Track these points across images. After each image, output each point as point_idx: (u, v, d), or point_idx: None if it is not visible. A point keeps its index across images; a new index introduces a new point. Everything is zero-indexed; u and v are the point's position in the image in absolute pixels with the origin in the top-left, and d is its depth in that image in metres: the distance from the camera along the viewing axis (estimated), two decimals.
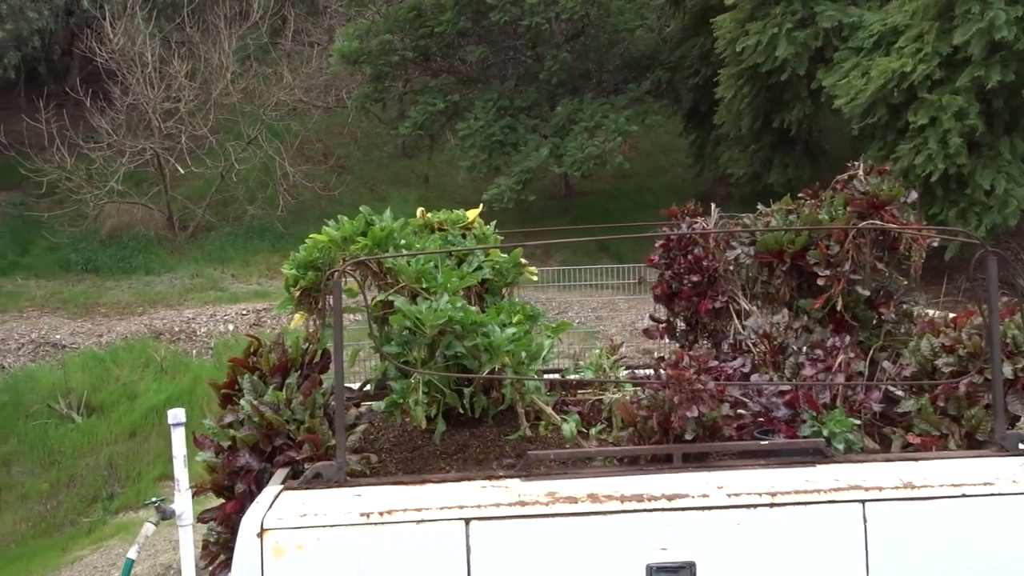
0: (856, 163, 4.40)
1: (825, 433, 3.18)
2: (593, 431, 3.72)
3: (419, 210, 4.47)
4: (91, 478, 11.59)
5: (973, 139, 10.92)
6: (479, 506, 2.70)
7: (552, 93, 16.13)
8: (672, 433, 3.10)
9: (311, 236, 3.65)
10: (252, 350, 3.82)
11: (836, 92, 11.34)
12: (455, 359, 3.64)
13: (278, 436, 3.44)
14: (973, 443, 3.27)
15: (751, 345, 4.10)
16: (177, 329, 14.22)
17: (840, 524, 2.75)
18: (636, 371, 4.43)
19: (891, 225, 3.92)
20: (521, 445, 3.95)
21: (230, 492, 3.62)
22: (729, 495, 2.77)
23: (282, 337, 3.87)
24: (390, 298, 3.41)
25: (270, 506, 2.77)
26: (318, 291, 3.61)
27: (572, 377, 3.84)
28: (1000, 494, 2.75)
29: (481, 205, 4.47)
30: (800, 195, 4.62)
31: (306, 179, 18.49)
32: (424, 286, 3.48)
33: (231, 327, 14.38)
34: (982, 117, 10.80)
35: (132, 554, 2.59)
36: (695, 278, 4.21)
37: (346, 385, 4.28)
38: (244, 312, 14.70)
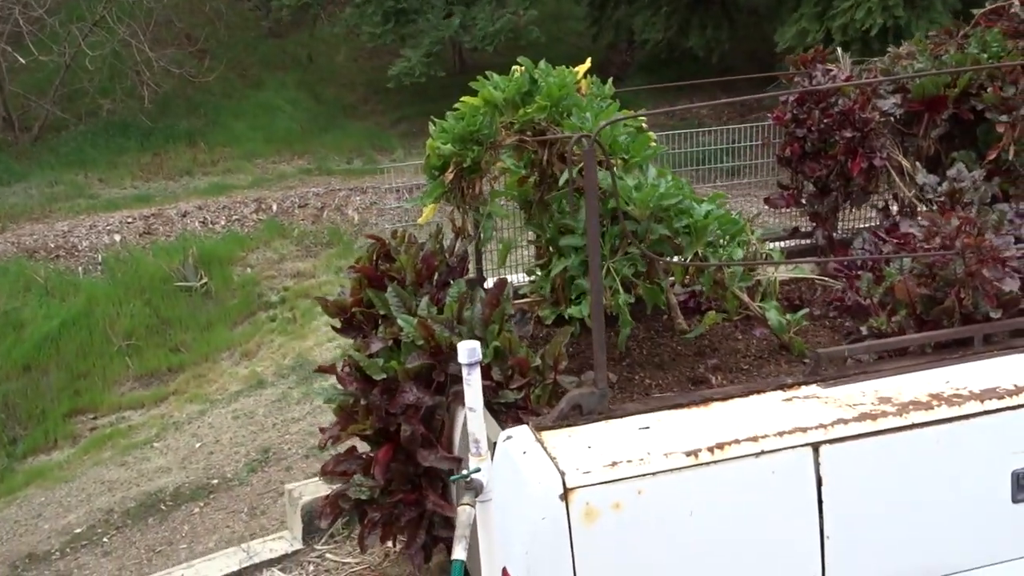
0: None
1: None
2: (794, 317, 3.20)
3: (514, 68, 3.61)
4: None
5: None
6: (823, 426, 2.13)
7: None
8: (961, 313, 2.61)
9: (464, 100, 2.78)
10: (377, 254, 2.97)
11: None
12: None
13: (454, 361, 2.68)
14: None
15: (918, 204, 3.66)
16: (53, 245, 12.41)
17: None
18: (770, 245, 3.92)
19: None
20: (698, 343, 3.38)
21: (383, 436, 2.86)
22: None
23: (412, 236, 3.03)
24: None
25: (551, 456, 2.07)
26: (475, 171, 2.77)
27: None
28: None
29: (588, 60, 3.66)
30: (931, 33, 4.14)
31: (170, 64, 16.32)
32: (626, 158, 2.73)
33: (118, 238, 12.70)
34: None
35: (460, 555, 1.83)
36: (848, 133, 3.66)
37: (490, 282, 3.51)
38: (130, 220, 13.01)
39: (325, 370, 2.91)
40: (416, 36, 14.05)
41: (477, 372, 2.02)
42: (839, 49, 4.00)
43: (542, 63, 2.98)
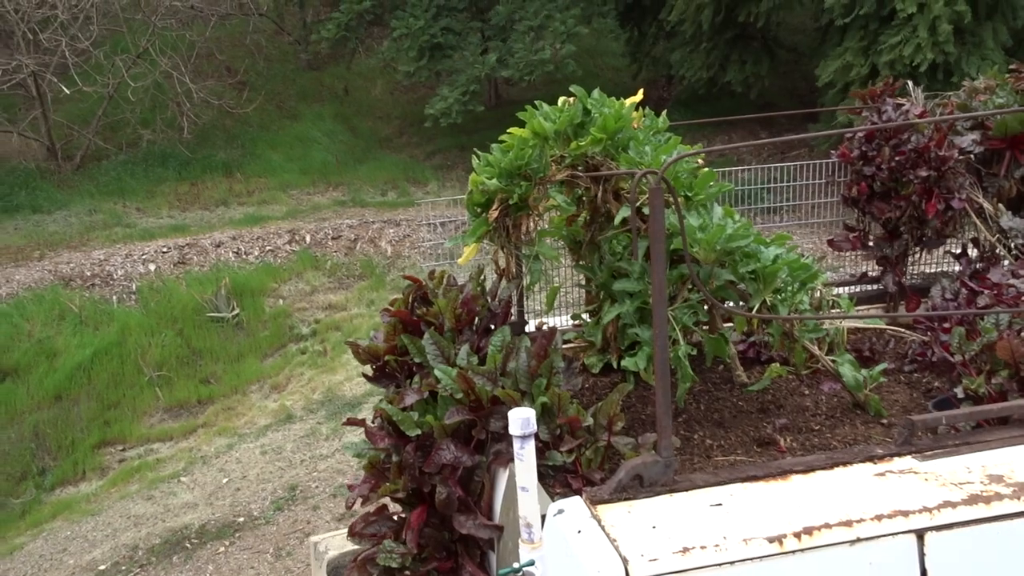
0: None
1: None
2: (871, 373, 2.90)
3: (561, 100, 3.39)
4: (15, 452, 9.97)
5: (958, 26, 10.53)
6: (928, 510, 1.84)
7: None
8: None
9: (511, 131, 2.56)
10: (413, 296, 2.74)
11: None
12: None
13: (496, 417, 2.43)
14: None
15: (1000, 249, 3.35)
16: (89, 273, 12.42)
17: None
18: (837, 289, 3.63)
19: None
20: (761, 398, 3.09)
21: (417, 497, 2.61)
22: None
23: (452, 279, 2.80)
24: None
25: (610, 537, 1.80)
26: (522, 209, 2.54)
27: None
28: None
29: (640, 91, 3.43)
30: (1012, 68, 3.86)
31: (210, 96, 16.46)
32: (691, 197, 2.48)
33: (153, 267, 12.69)
34: (968, 2, 10.39)
35: None
36: (923, 172, 3.38)
37: (533, 328, 3.25)
38: (165, 249, 13.00)
39: (355, 423, 2.67)
40: (452, 73, 13.98)
41: (531, 445, 1.76)
42: (909, 83, 3.72)
43: (596, 92, 2.75)
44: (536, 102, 2.71)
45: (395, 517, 2.69)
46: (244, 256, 13.16)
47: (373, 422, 2.70)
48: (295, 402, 10.30)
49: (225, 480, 9.38)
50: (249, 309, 12.06)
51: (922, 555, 1.81)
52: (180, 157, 16.17)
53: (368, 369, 2.73)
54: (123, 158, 16.20)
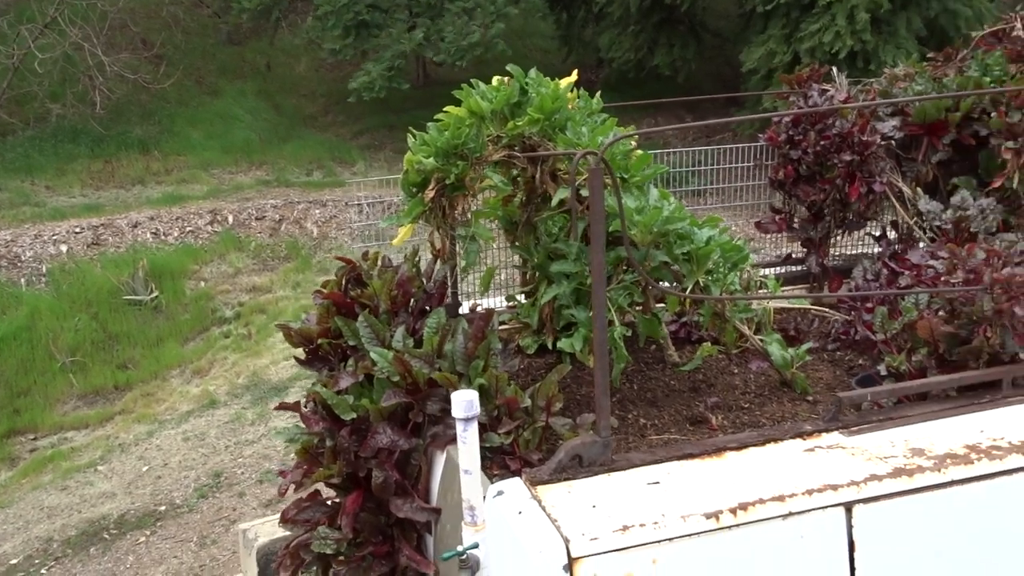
0: (1013, 14, 3.79)
1: None
2: (797, 352, 2.98)
3: (496, 79, 3.36)
4: None
5: (875, 15, 10.88)
6: (855, 484, 1.90)
7: None
8: (988, 354, 2.41)
9: (447, 110, 2.51)
10: (347, 278, 2.67)
11: None
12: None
13: (433, 400, 2.40)
14: None
15: (917, 232, 3.48)
16: None
17: None
18: (760, 271, 3.71)
19: None
20: (692, 377, 3.15)
21: (352, 482, 2.56)
22: None
23: (387, 260, 2.74)
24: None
25: (551, 517, 1.80)
26: (459, 189, 2.50)
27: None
28: None
29: (575, 72, 3.42)
30: (930, 56, 3.99)
31: (125, 70, 15.78)
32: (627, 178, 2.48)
33: (65, 248, 12.16)
34: None
35: None
36: (847, 156, 3.47)
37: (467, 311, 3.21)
38: (78, 230, 12.46)
39: (287, 407, 2.60)
40: (378, 50, 13.73)
41: (474, 428, 1.74)
42: (834, 69, 3.82)
43: (533, 72, 2.73)
44: (472, 80, 2.67)
45: (329, 502, 2.64)
46: (163, 237, 12.72)
47: (306, 406, 2.64)
48: (219, 387, 10.03)
49: (145, 468, 9.08)
50: (169, 292, 11.67)
51: (850, 527, 1.87)
52: (93, 133, 15.48)
53: (300, 352, 2.67)
54: (31, 133, 15.43)
